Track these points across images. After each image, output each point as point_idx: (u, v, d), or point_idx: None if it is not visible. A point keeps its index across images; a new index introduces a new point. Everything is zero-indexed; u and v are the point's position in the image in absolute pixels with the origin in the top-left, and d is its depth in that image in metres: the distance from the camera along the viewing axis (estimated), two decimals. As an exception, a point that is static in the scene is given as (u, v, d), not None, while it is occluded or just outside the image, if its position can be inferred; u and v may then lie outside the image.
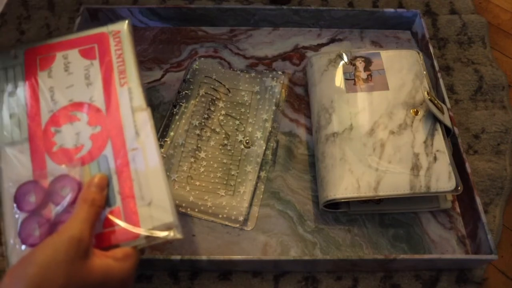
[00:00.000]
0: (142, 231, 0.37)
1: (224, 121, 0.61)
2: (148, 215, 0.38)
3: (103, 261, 0.35)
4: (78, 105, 0.41)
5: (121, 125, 0.40)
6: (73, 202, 0.38)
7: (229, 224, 0.53)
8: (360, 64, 0.60)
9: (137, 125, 0.40)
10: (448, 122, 0.54)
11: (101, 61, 0.43)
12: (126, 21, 0.44)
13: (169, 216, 0.38)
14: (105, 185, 0.39)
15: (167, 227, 0.38)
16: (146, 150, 0.40)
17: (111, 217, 0.38)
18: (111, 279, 0.35)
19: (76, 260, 0.34)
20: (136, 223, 0.37)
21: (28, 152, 0.40)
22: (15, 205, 0.38)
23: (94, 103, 0.41)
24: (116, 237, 0.37)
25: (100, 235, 0.37)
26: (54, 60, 0.43)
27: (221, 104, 0.62)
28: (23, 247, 0.37)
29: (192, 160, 0.57)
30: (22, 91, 0.42)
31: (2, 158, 0.40)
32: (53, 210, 0.38)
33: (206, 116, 0.61)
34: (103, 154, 0.40)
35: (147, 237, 0.37)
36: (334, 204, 0.53)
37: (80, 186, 0.39)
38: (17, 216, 0.38)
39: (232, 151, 0.58)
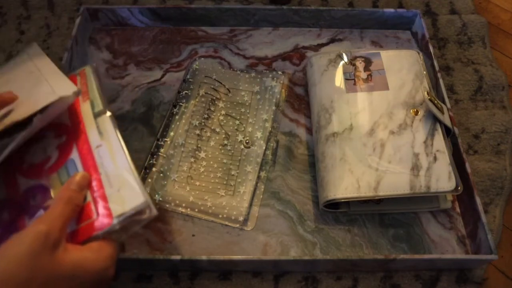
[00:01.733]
0: (114, 217, 0.38)
1: (224, 121, 0.61)
2: (119, 201, 0.38)
3: (75, 254, 0.35)
4: (45, 127, 0.43)
5: (84, 129, 0.43)
6: (44, 208, 0.39)
7: (229, 224, 0.53)
8: (360, 64, 0.60)
9: (99, 126, 0.43)
10: (448, 122, 0.54)
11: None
12: (93, 64, 0.49)
13: (139, 197, 0.38)
14: (86, 183, 0.39)
15: (140, 208, 0.38)
16: (111, 144, 0.41)
17: (84, 212, 0.39)
18: (84, 271, 0.35)
19: (42, 254, 0.33)
20: (108, 212, 0.38)
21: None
22: None
23: (59, 120, 0.44)
24: (90, 230, 0.38)
25: (76, 231, 0.38)
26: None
27: (221, 104, 0.62)
28: None
29: (192, 160, 0.57)
30: None
31: None
32: (27, 221, 0.39)
33: (206, 116, 0.61)
34: (70, 159, 0.41)
35: (121, 222, 0.38)
36: (334, 204, 0.53)
37: (49, 192, 0.40)
38: None
39: (232, 151, 0.58)
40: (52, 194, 0.40)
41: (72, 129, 0.43)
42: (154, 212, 0.38)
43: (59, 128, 0.43)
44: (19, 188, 0.41)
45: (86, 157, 0.41)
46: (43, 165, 0.42)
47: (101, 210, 0.38)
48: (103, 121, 0.43)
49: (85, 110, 0.44)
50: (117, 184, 0.39)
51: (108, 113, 0.44)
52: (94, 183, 0.40)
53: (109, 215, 0.38)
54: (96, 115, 0.44)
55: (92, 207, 0.39)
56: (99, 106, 0.44)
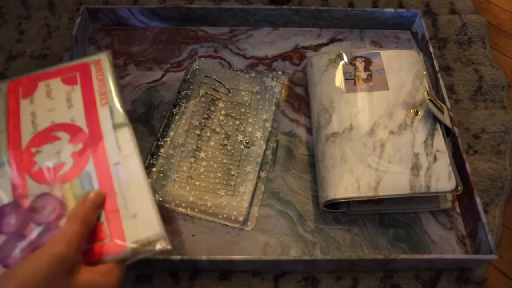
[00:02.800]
0: (128, 244, 0.37)
1: (224, 121, 0.61)
2: (134, 227, 0.37)
3: (87, 277, 0.35)
4: (59, 126, 0.42)
5: (102, 141, 0.41)
6: (55, 221, 0.38)
7: (229, 224, 0.53)
8: (360, 64, 0.60)
9: (118, 140, 0.41)
10: (448, 122, 0.54)
11: (82, 85, 0.43)
12: (106, 52, 0.46)
13: (155, 228, 0.38)
14: (101, 202, 0.38)
15: (154, 239, 0.37)
16: (129, 164, 0.40)
17: (97, 232, 0.37)
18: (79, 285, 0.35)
19: (58, 278, 0.33)
20: (121, 236, 0.37)
21: (8, 175, 0.39)
22: None
23: (75, 123, 0.42)
24: (102, 252, 0.36)
25: (87, 251, 0.37)
26: (36, 89, 0.43)
27: (221, 104, 0.62)
28: (2, 270, 0.36)
29: (192, 160, 0.57)
30: (4, 118, 0.42)
31: None
32: (35, 230, 0.37)
33: (206, 116, 0.61)
34: (85, 171, 0.40)
35: (134, 249, 0.37)
36: (334, 204, 0.53)
37: (62, 204, 0.38)
38: None
39: (232, 151, 0.58)
40: (66, 207, 0.38)
41: (89, 138, 0.41)
42: (168, 246, 0.37)
43: (75, 133, 0.41)
44: (27, 192, 0.39)
45: (102, 173, 0.39)
46: (56, 171, 0.40)
47: (114, 233, 0.37)
48: (123, 135, 0.41)
49: (104, 117, 0.42)
50: (133, 209, 0.38)
51: (129, 126, 0.42)
52: (109, 203, 0.38)
53: (123, 240, 0.37)
54: (116, 126, 0.42)
55: (106, 228, 0.37)
56: (120, 117, 0.42)
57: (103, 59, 0.45)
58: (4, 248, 0.37)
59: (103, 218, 0.38)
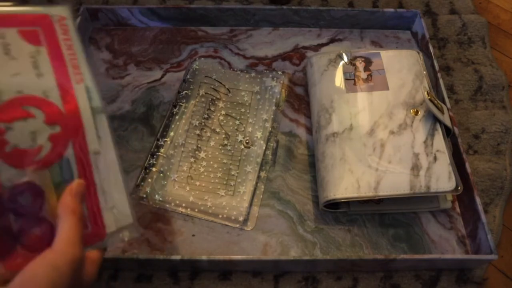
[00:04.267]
0: (107, 235, 0.38)
1: (224, 121, 0.61)
2: (112, 219, 0.38)
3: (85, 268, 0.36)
4: (30, 99, 0.36)
5: (82, 126, 0.38)
6: (35, 211, 0.36)
7: (229, 224, 0.53)
8: (360, 64, 0.60)
9: (97, 127, 0.38)
10: (448, 122, 0.54)
11: (49, 49, 0.38)
12: (67, 6, 0.39)
13: (128, 219, 0.39)
14: (83, 193, 0.37)
15: (128, 228, 0.39)
16: (107, 155, 0.39)
17: None
18: (84, 281, 0.36)
19: (78, 279, 0.34)
20: (101, 226, 0.38)
21: None
22: None
23: (48, 98, 0.37)
24: (85, 240, 0.36)
25: None
26: None
27: (221, 104, 0.62)
28: None
29: (192, 160, 0.57)
30: None
31: None
32: (12, 220, 0.35)
33: (206, 116, 0.61)
34: (64, 157, 0.37)
35: (111, 238, 0.38)
36: (334, 204, 0.53)
37: (41, 192, 0.36)
38: None
39: (232, 151, 0.58)
40: (45, 195, 0.36)
41: (67, 120, 0.37)
42: (137, 234, 0.39)
43: (50, 112, 0.37)
44: (0, 175, 0.35)
45: (82, 161, 0.38)
46: (32, 155, 0.36)
47: (94, 224, 0.38)
48: (101, 122, 0.39)
49: (81, 97, 0.38)
50: (111, 201, 0.39)
51: (105, 112, 0.39)
52: (89, 193, 0.38)
53: (103, 230, 0.38)
54: (94, 111, 0.38)
55: (86, 217, 0.37)
56: (97, 100, 0.38)
57: (67, 17, 0.38)
58: None
59: (83, 207, 0.37)
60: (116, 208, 0.39)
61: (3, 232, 0.35)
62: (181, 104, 0.62)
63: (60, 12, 0.38)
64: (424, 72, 0.59)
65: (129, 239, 0.39)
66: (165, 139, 0.59)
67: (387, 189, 0.50)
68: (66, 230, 0.35)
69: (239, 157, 0.58)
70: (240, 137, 0.59)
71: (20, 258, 0.35)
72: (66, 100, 0.37)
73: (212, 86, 0.64)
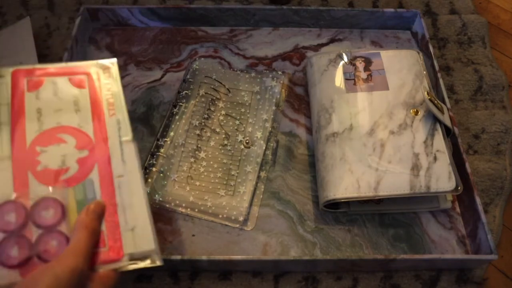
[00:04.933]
0: (124, 255, 0.38)
1: (224, 121, 0.61)
2: (131, 239, 0.38)
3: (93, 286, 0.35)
4: (65, 129, 0.42)
5: (108, 152, 0.41)
6: (55, 225, 0.38)
7: (229, 224, 0.53)
8: (360, 64, 0.60)
9: (124, 154, 0.41)
10: (448, 122, 0.54)
11: (90, 91, 0.44)
12: (115, 59, 0.46)
13: (150, 244, 0.39)
14: (103, 212, 0.39)
15: (148, 254, 0.38)
16: (132, 179, 0.40)
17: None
18: None
19: None
20: (119, 247, 0.38)
21: (10, 170, 0.39)
22: None
23: (82, 128, 0.42)
24: (100, 259, 0.37)
25: None
26: (43, 84, 0.43)
27: (221, 104, 0.62)
28: None
29: (192, 160, 0.57)
30: (7, 109, 0.42)
31: None
32: (34, 232, 0.37)
33: (206, 116, 0.61)
34: (89, 178, 0.40)
35: (129, 261, 0.38)
36: (334, 204, 0.53)
37: (63, 209, 0.39)
38: None
39: (232, 151, 0.58)
40: (67, 212, 0.39)
41: (96, 146, 0.42)
42: (159, 262, 0.38)
43: (82, 139, 0.42)
44: (29, 192, 0.39)
45: (106, 183, 0.40)
46: (59, 174, 0.40)
47: (112, 243, 0.38)
48: (129, 150, 0.42)
49: (111, 128, 0.43)
50: (132, 222, 0.39)
51: (135, 143, 0.43)
52: (109, 213, 0.39)
53: (120, 251, 0.38)
54: (122, 141, 0.42)
55: (105, 237, 0.38)
56: (127, 130, 0.43)
57: (112, 68, 0.45)
58: (2, 245, 0.37)
59: (103, 227, 0.38)
60: (137, 230, 0.39)
61: (23, 241, 0.37)
62: (181, 104, 0.62)
63: (107, 62, 0.46)
64: (424, 72, 0.59)
65: (150, 266, 0.38)
66: (165, 139, 0.59)
67: (387, 189, 0.50)
68: (73, 242, 0.36)
69: (239, 157, 0.58)
70: (240, 137, 0.59)
71: (35, 268, 0.36)
72: (97, 130, 0.42)
73: (212, 86, 0.64)
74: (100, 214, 0.39)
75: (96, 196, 0.39)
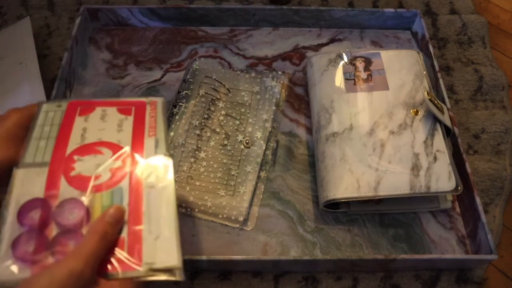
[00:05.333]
0: (142, 264, 0.37)
1: (224, 121, 0.61)
2: (153, 250, 0.37)
3: None
4: (105, 143, 0.43)
5: (143, 164, 0.42)
6: (76, 227, 0.38)
7: (229, 224, 0.53)
8: (360, 64, 0.60)
9: (158, 168, 0.42)
10: (448, 122, 0.54)
11: (135, 117, 0.46)
12: (163, 98, 0.48)
13: (173, 257, 0.38)
14: (121, 218, 0.38)
15: (169, 267, 0.37)
16: (163, 191, 0.40)
17: (115, 245, 0.37)
18: None
19: None
20: (138, 255, 0.37)
21: (45, 176, 0.40)
22: (17, 218, 0.38)
23: (120, 144, 0.43)
24: (116, 266, 0.36)
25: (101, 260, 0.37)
26: (93, 111, 0.46)
27: (221, 104, 0.62)
28: (10, 261, 0.36)
29: (192, 160, 0.57)
30: (56, 128, 0.44)
31: (17, 178, 0.40)
32: (54, 231, 0.37)
33: (206, 116, 0.61)
34: (118, 186, 0.40)
35: (147, 272, 0.37)
36: (334, 204, 0.53)
37: (88, 213, 0.39)
38: (16, 229, 0.37)
39: (232, 151, 0.58)
40: (91, 216, 0.39)
41: (131, 158, 0.42)
42: (181, 278, 0.37)
43: (118, 151, 0.43)
44: (58, 193, 0.39)
45: (135, 191, 0.40)
46: (90, 180, 0.40)
47: (132, 250, 0.37)
48: (164, 165, 0.42)
49: (148, 145, 0.44)
50: (156, 232, 0.38)
51: (171, 159, 0.43)
52: (133, 219, 0.38)
53: (139, 259, 0.37)
54: (158, 154, 0.43)
55: (125, 243, 0.37)
56: (163, 147, 0.43)
57: (159, 102, 0.47)
58: (20, 240, 0.37)
59: (124, 233, 0.38)
60: (161, 241, 0.38)
61: (42, 239, 0.37)
62: (181, 104, 0.62)
63: (155, 99, 0.48)
64: (424, 72, 0.59)
65: (172, 281, 0.37)
66: (165, 139, 0.59)
67: (387, 189, 0.50)
68: (79, 245, 0.35)
69: (239, 157, 0.58)
70: (240, 137, 0.59)
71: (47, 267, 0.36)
72: (135, 145, 0.43)
73: (212, 86, 0.64)
74: (118, 219, 0.38)
75: (123, 204, 0.39)
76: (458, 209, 0.55)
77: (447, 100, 0.60)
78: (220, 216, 0.53)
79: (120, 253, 0.37)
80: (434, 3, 0.77)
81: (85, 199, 0.39)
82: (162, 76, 0.66)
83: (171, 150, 0.58)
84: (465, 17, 0.74)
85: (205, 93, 0.63)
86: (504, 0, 0.79)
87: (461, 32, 0.73)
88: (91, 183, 0.40)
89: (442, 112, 0.54)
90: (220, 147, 0.58)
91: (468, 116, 0.63)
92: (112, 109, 0.46)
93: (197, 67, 0.67)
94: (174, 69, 0.67)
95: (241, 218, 0.53)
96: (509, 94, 0.66)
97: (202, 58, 0.68)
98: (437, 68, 0.63)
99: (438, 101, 0.55)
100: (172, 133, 0.59)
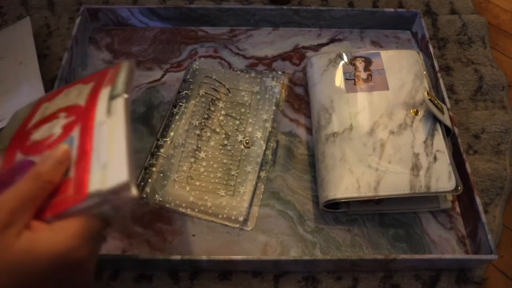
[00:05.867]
0: (87, 194, 0.34)
1: (224, 121, 0.61)
2: (100, 178, 0.34)
3: (26, 237, 0.31)
4: (61, 109, 0.41)
5: (95, 109, 0.39)
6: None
7: (229, 224, 0.53)
8: (360, 64, 0.60)
9: (111, 106, 0.39)
10: (448, 122, 0.54)
11: (97, 82, 0.43)
12: (132, 60, 0.45)
13: (122, 175, 0.33)
14: (64, 158, 0.35)
15: (119, 187, 0.34)
16: (114, 124, 0.37)
17: (61, 187, 0.35)
18: (35, 256, 0.31)
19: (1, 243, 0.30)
20: (84, 187, 0.34)
21: (3, 159, 0.39)
22: None
23: (77, 104, 0.41)
24: (61, 205, 0.34)
25: (45, 207, 0.34)
26: (60, 93, 0.44)
27: (221, 104, 0.62)
28: None
29: (192, 160, 0.57)
30: (22, 119, 0.43)
31: None
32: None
33: (206, 116, 0.61)
34: (70, 136, 0.38)
35: (95, 199, 0.34)
36: (334, 204, 0.53)
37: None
38: None
39: (232, 151, 0.58)
40: None
41: (83, 110, 0.40)
42: (134, 193, 0.33)
43: (72, 110, 0.40)
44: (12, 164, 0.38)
45: (85, 133, 0.38)
46: (44, 142, 0.39)
47: (77, 186, 0.34)
48: (117, 103, 0.39)
49: (104, 92, 0.41)
50: (104, 159, 0.35)
51: (125, 95, 0.39)
52: (82, 159, 0.36)
53: (85, 191, 0.34)
54: (112, 97, 0.39)
55: (72, 182, 0.35)
56: (118, 88, 0.40)
57: (124, 62, 0.44)
58: None
59: (72, 173, 0.36)
60: (110, 165, 0.34)
61: None
62: (181, 104, 0.62)
63: (120, 62, 0.45)
64: (424, 72, 0.59)
65: (127, 200, 0.34)
66: (165, 139, 0.59)
67: (387, 189, 0.50)
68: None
69: (239, 157, 0.58)
70: (240, 137, 0.59)
71: None
72: (90, 98, 0.41)
73: (212, 86, 0.64)
74: (61, 159, 0.35)
75: (73, 147, 0.37)
76: (458, 209, 0.55)
77: (447, 100, 0.60)
78: (220, 216, 0.53)
79: (65, 193, 0.35)
80: (434, 3, 0.77)
81: (36, 158, 0.37)
82: (162, 76, 0.66)
83: (171, 150, 0.58)
84: (465, 17, 0.74)
85: (205, 93, 0.63)
86: (504, 0, 0.79)
87: (461, 32, 0.73)
88: (44, 144, 0.38)
89: (442, 112, 0.54)
90: (220, 147, 0.58)
91: (468, 116, 0.63)
92: (77, 85, 0.44)
93: (197, 67, 0.67)
94: (174, 69, 0.67)
95: (241, 218, 0.53)
96: (509, 94, 0.66)
97: (202, 58, 0.68)
98: (437, 68, 0.63)
99: (438, 101, 0.55)
100: (172, 133, 0.59)
